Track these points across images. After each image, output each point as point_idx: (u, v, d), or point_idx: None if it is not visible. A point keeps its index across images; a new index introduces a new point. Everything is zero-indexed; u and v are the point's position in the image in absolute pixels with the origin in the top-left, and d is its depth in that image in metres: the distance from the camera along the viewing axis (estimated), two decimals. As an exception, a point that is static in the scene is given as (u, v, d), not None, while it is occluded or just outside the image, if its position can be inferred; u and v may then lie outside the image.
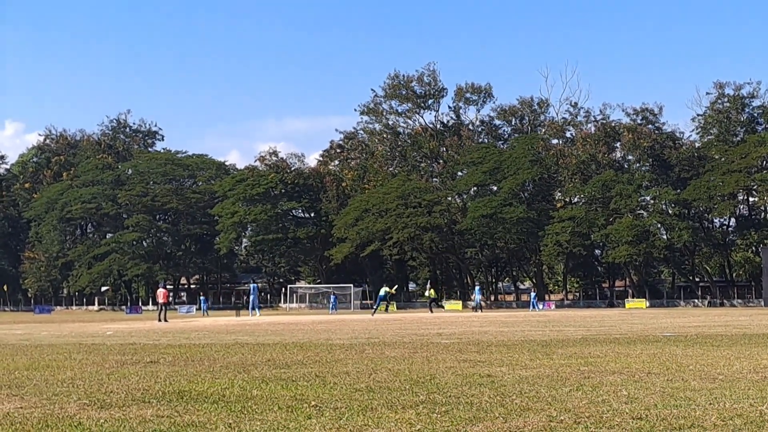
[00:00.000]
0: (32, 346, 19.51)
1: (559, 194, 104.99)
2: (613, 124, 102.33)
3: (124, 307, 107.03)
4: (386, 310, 63.00)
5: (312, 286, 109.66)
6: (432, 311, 61.48)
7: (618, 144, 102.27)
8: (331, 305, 78.66)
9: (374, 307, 59.76)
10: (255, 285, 58.87)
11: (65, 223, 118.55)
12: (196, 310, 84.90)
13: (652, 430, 6.83)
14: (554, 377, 10.44)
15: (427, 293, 66.24)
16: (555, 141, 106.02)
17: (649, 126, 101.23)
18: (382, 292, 60.80)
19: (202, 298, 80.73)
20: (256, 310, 53.81)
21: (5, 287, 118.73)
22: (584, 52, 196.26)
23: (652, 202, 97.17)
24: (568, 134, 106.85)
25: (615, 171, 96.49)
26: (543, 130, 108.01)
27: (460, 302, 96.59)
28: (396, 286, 77.03)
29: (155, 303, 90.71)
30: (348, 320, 41.09)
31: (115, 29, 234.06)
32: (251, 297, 54.98)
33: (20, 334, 27.07)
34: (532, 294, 78.27)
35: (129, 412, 8.02)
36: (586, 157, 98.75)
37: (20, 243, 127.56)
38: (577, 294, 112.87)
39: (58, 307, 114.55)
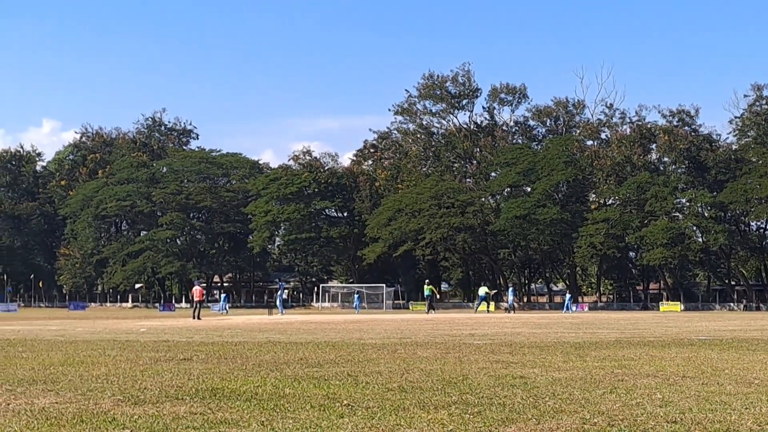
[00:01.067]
0: (67, 342, 19.61)
1: (594, 196, 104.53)
2: (648, 126, 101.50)
3: (157, 304, 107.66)
4: (487, 310, 63.17)
5: (344, 285, 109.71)
6: (429, 311, 61.20)
7: (653, 146, 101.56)
8: (355, 305, 78.42)
9: (475, 306, 61.43)
10: (282, 284, 59.37)
11: (100, 220, 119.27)
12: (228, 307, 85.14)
13: (687, 434, 6.77)
14: (587, 379, 10.37)
15: (426, 292, 65.92)
16: (590, 142, 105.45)
17: (686, 128, 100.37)
18: (482, 292, 62.82)
19: (223, 295, 79.39)
20: (278, 308, 54.38)
21: (41, 283, 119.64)
22: (620, 53, 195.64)
23: (687, 204, 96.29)
24: (603, 135, 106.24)
25: (650, 173, 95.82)
26: (578, 131, 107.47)
27: (493, 303, 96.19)
28: (495, 290, 77.34)
29: (189, 301, 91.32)
30: (380, 320, 41.06)
31: (151, 28, 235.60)
32: (280, 295, 55.52)
33: (55, 330, 27.22)
34: (567, 296, 77.91)
35: (162, 408, 8.04)
36: (622, 158, 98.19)
37: (56, 240, 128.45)
38: (611, 296, 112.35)
39: (93, 304, 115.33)
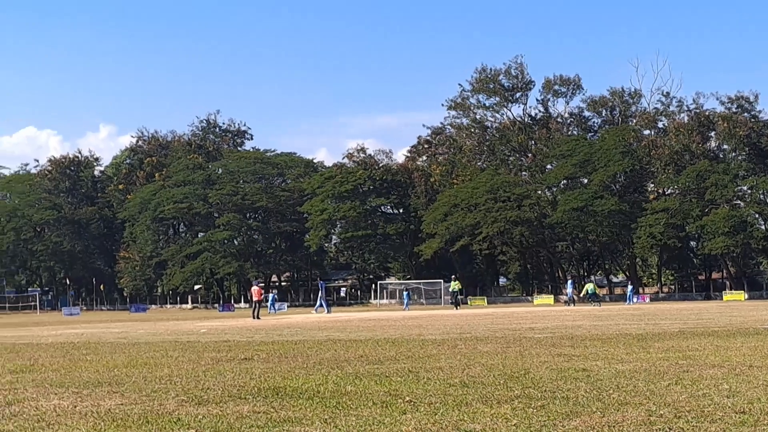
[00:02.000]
0: (130, 344, 19.81)
1: (652, 186, 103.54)
2: (707, 113, 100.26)
3: (216, 305, 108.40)
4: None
5: (402, 281, 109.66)
6: (457, 307, 60.99)
7: (712, 133, 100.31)
8: (404, 302, 77.90)
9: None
10: (322, 283, 59.46)
11: (158, 222, 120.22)
12: (287, 306, 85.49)
13: (756, 425, 6.66)
14: (652, 371, 10.26)
15: (451, 288, 65.44)
16: (647, 132, 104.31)
17: (745, 114, 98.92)
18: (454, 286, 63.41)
19: (270, 295, 75.26)
20: (324, 307, 54.01)
21: (102, 287, 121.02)
22: (676, 40, 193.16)
23: (749, 191, 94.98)
24: (660, 124, 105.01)
25: (710, 161, 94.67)
26: (634, 121, 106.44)
27: (552, 296, 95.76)
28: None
29: (248, 300, 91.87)
30: (439, 316, 41.04)
31: (203, 31, 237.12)
32: (321, 295, 55.40)
33: (117, 333, 27.52)
34: (629, 288, 77.26)
35: (226, 408, 8.07)
36: (680, 147, 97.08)
37: (115, 243, 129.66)
38: (672, 287, 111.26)
39: (153, 306, 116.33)
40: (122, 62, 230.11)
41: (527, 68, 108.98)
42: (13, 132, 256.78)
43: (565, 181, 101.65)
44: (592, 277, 74.07)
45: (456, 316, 37.76)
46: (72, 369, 12.68)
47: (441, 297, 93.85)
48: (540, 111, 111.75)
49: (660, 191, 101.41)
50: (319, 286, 58.03)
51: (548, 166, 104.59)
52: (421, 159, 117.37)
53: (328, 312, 52.92)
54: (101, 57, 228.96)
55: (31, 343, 21.42)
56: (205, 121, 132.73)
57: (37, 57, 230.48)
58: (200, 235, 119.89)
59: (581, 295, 68.94)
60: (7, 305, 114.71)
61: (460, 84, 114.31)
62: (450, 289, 66.74)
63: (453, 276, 70.96)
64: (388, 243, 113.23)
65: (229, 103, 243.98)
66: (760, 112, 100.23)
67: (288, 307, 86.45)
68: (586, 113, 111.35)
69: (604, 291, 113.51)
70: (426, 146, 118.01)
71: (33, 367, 13.35)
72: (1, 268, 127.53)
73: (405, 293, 79.97)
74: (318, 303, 55.03)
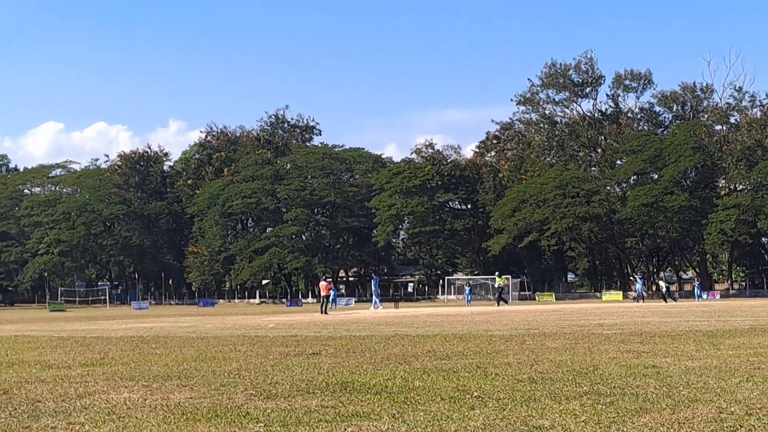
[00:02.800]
0: (198, 338, 20.02)
1: (723, 181, 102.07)
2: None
3: (284, 300, 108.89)
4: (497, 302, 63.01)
5: (470, 277, 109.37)
6: (504, 303, 60.34)
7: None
8: (466, 298, 77.66)
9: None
10: (377, 278, 59.04)
11: (226, 218, 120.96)
12: (355, 302, 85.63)
13: (830, 423, 6.57)
14: (722, 368, 10.15)
15: (497, 284, 64.80)
16: (718, 127, 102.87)
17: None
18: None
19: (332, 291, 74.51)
20: (376, 303, 53.81)
21: (171, 281, 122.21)
22: (749, 34, 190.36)
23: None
24: (732, 120, 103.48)
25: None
26: (706, 116, 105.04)
27: (621, 292, 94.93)
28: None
29: (316, 296, 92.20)
30: (507, 311, 40.92)
31: (272, 27, 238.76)
32: (375, 290, 55.06)
33: (187, 327, 27.81)
34: (696, 284, 76.35)
35: (294, 402, 8.13)
36: (752, 142, 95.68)
37: (184, 238, 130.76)
38: (743, 283, 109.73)
39: (221, 301, 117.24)
40: (192, 59, 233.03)
41: (597, 63, 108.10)
42: (84, 128, 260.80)
43: (634, 177, 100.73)
44: (662, 274, 73.28)
45: (524, 312, 37.60)
46: (142, 362, 12.86)
47: (509, 293, 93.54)
48: (610, 106, 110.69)
49: (731, 187, 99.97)
50: (373, 280, 57.50)
51: (618, 162, 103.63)
52: (489, 154, 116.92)
53: (375, 308, 52.53)
54: (172, 54, 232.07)
55: (101, 337, 21.75)
56: (273, 117, 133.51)
57: (110, 55, 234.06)
58: (268, 230, 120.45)
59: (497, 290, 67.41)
60: (77, 299, 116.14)
61: (529, 79, 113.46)
62: (495, 285, 66.14)
63: (497, 272, 70.20)
64: (455, 238, 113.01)
65: (298, 98, 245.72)
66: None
67: (355, 302, 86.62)
68: (657, 108, 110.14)
69: (674, 287, 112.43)
70: (495, 141, 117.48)
71: (103, 360, 13.56)
72: (72, 263, 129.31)
73: (467, 289, 79.91)
74: (374, 298, 54.90)
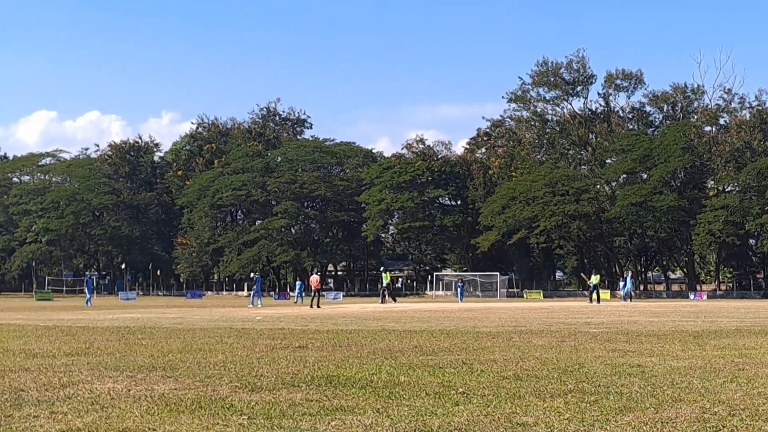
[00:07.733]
0: (185, 329, 20.00)
1: (712, 182, 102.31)
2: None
3: (272, 293, 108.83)
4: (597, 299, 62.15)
5: (458, 273, 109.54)
6: (383, 301, 55.02)
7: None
8: (459, 294, 77.28)
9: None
10: (259, 276, 57.12)
11: (216, 209, 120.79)
12: (343, 296, 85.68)
13: (813, 425, 6.58)
14: (707, 368, 10.18)
15: (385, 280, 59.06)
16: (708, 128, 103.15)
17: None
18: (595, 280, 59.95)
19: (297, 282, 71.08)
20: (255, 300, 51.59)
21: (159, 272, 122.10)
22: (739, 36, 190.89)
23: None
24: (721, 121, 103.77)
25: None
26: (696, 117, 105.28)
27: (608, 291, 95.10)
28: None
29: (306, 289, 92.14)
30: (494, 308, 40.96)
31: (264, 19, 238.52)
32: (256, 287, 52.56)
33: (173, 318, 27.79)
34: (628, 276, 76.34)
35: (279, 395, 8.12)
36: (741, 144, 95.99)
37: (173, 229, 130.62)
38: (730, 284, 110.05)
39: (209, 292, 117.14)
40: (186, 50, 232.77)
41: (589, 62, 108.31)
42: (78, 116, 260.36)
43: (624, 176, 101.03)
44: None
45: (511, 309, 37.62)
46: (127, 353, 12.84)
47: (497, 290, 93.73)
48: (601, 105, 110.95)
49: (720, 188, 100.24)
50: (256, 280, 54.63)
51: (608, 161, 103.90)
52: (480, 151, 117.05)
53: (253, 305, 50.11)
54: (167, 44, 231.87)
55: (87, 327, 21.73)
56: (265, 109, 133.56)
57: (106, 44, 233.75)
58: (257, 222, 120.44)
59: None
60: (64, 288, 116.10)
61: (520, 77, 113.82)
62: (383, 282, 59.73)
63: (382, 268, 65.12)
64: (445, 234, 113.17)
65: (291, 91, 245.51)
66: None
67: (344, 296, 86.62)
68: (648, 108, 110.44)
69: (661, 287, 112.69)
70: (485, 138, 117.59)
71: (88, 350, 13.54)
72: (60, 252, 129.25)
73: (459, 285, 79.61)
74: (256, 294, 51.98)
